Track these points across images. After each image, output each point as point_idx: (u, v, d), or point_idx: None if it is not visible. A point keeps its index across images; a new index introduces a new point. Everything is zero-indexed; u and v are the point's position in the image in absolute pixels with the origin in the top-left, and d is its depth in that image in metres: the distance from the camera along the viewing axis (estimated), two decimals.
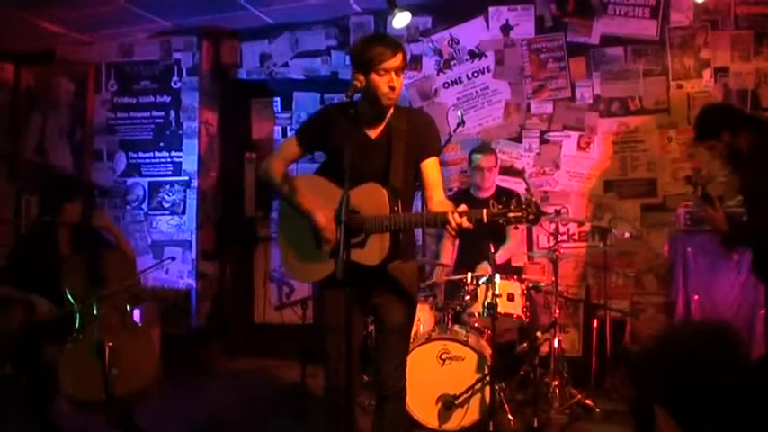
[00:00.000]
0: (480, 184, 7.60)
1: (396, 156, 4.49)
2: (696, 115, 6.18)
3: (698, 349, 2.82)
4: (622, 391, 7.23)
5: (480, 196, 7.54)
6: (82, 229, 6.21)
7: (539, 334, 7.01)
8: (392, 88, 4.40)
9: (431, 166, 4.63)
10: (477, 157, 7.62)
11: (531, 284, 7.17)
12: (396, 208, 4.39)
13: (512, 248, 7.69)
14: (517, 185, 8.40)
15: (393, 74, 4.39)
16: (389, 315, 4.63)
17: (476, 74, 8.94)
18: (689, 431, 2.87)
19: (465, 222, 4.11)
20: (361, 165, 4.41)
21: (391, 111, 4.60)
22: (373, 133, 4.57)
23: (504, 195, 7.04)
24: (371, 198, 4.38)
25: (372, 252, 4.38)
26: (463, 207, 4.17)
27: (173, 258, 8.74)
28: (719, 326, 2.96)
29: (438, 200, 4.59)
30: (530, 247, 8.65)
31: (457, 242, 7.77)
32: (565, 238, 8.42)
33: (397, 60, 4.40)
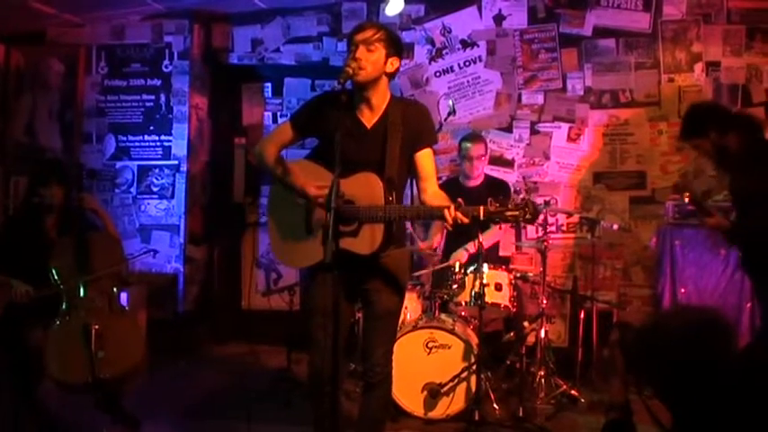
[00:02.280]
0: (469, 173, 7.59)
1: (392, 146, 4.48)
2: (684, 113, 6.19)
3: (689, 334, 2.84)
4: (611, 363, 7.24)
5: (469, 185, 7.55)
6: (67, 212, 6.19)
7: (525, 324, 7.04)
8: (355, 59, 4.38)
9: (425, 157, 4.63)
10: (467, 145, 7.61)
11: (518, 274, 7.20)
12: (390, 198, 4.40)
13: (495, 235, 7.67)
14: (506, 175, 8.42)
15: (360, 46, 4.40)
16: (378, 301, 4.64)
17: (467, 63, 8.94)
18: (677, 415, 2.89)
19: (462, 218, 4.11)
20: (356, 154, 4.42)
21: (387, 100, 4.59)
22: (369, 122, 4.57)
23: (493, 186, 7.09)
24: (367, 188, 4.38)
25: (365, 242, 4.38)
26: (460, 201, 4.17)
27: (154, 252, 8.64)
28: (710, 312, 2.98)
29: (432, 191, 4.60)
30: (518, 237, 8.65)
31: (444, 231, 7.76)
32: (553, 228, 8.45)
33: (363, 33, 4.44)
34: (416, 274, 7.36)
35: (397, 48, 4.57)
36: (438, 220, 7.54)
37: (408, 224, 7.85)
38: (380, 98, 4.56)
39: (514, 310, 6.93)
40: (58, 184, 6.14)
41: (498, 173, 8.37)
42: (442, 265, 7.29)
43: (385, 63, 4.48)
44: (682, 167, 8.28)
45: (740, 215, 5.78)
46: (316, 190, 4.46)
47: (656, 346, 2.90)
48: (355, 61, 4.37)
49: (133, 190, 9.48)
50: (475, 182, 7.59)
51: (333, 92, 4.73)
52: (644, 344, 2.99)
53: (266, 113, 9.85)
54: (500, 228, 7.50)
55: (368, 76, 4.42)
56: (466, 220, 4.12)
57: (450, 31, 8.98)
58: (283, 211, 4.65)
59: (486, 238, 7.36)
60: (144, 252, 7.62)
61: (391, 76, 4.59)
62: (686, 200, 6.21)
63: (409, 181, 4.87)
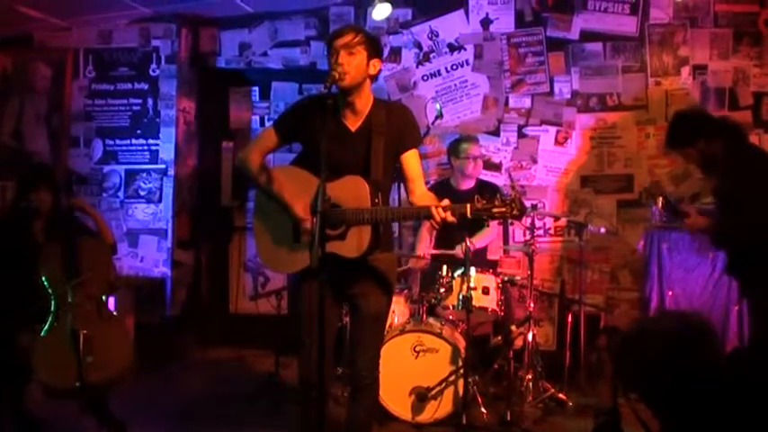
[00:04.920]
0: (472, 173, 7.55)
1: (376, 149, 4.49)
2: (669, 122, 6.19)
3: (673, 339, 2.84)
4: (600, 368, 7.25)
5: (461, 188, 7.54)
6: (56, 217, 6.19)
7: (513, 328, 7.02)
8: (339, 64, 4.39)
9: (411, 158, 4.64)
10: (466, 146, 7.57)
11: (506, 278, 7.20)
12: (376, 201, 4.39)
13: (489, 236, 7.67)
14: (495, 179, 8.42)
15: (341, 51, 4.41)
16: (366, 305, 4.63)
17: (455, 67, 8.94)
18: (664, 420, 2.90)
19: (449, 217, 4.11)
20: (341, 157, 4.42)
21: (370, 103, 4.60)
22: (353, 126, 4.57)
23: (485, 188, 7.09)
24: (352, 191, 4.38)
25: (352, 245, 4.38)
26: (446, 201, 4.17)
27: None
28: (695, 317, 2.98)
29: (420, 192, 4.61)
30: (505, 241, 8.67)
31: (434, 233, 7.76)
32: (541, 232, 8.45)
33: (342, 38, 4.44)
34: (402, 269, 7.36)
35: (378, 49, 4.59)
36: (426, 226, 7.66)
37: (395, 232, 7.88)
38: (364, 101, 4.57)
39: (502, 313, 6.92)
40: (48, 188, 6.14)
41: (486, 176, 8.34)
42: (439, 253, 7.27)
43: (367, 65, 4.49)
44: (669, 171, 8.29)
45: (725, 217, 5.79)
46: (303, 213, 4.48)
47: (641, 352, 2.91)
48: (339, 66, 4.38)
49: (120, 194, 9.47)
50: (468, 185, 7.57)
51: (316, 96, 4.75)
52: (630, 349, 3.00)
53: (254, 117, 9.82)
54: (488, 224, 7.50)
55: (352, 80, 4.42)
56: (452, 219, 4.12)
57: (437, 35, 8.98)
58: (269, 216, 4.65)
59: (479, 240, 7.37)
60: None
61: (374, 78, 4.60)
62: (660, 204, 6.22)
63: (396, 184, 4.88)
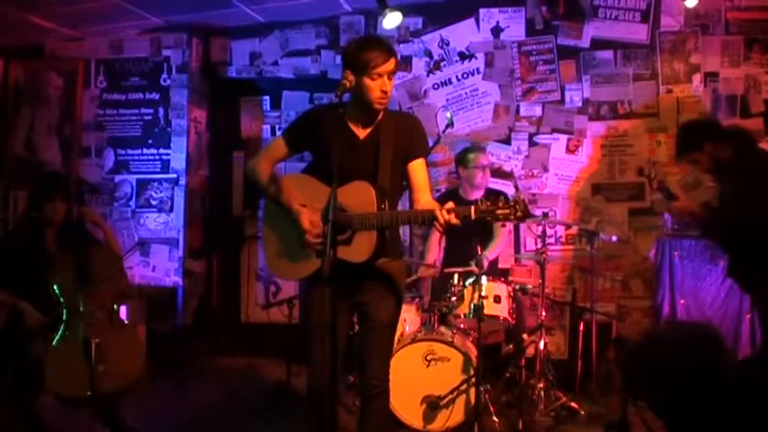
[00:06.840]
0: (481, 182, 7.57)
1: (384, 157, 4.50)
2: (677, 132, 6.20)
3: (683, 349, 2.84)
4: (610, 379, 7.26)
5: (470, 198, 7.52)
6: (68, 227, 6.21)
7: (525, 336, 7.00)
8: (384, 92, 4.42)
9: (418, 168, 4.64)
10: (474, 155, 7.59)
11: (517, 286, 7.18)
12: (383, 206, 4.39)
13: (500, 245, 7.67)
14: (506, 187, 8.40)
15: (386, 78, 4.41)
16: (375, 312, 4.63)
17: (465, 75, 8.94)
18: (673, 430, 2.89)
19: (453, 219, 4.11)
20: (349, 165, 4.42)
21: (381, 113, 4.60)
22: (362, 134, 4.59)
23: (493, 196, 7.08)
24: (359, 196, 4.38)
25: (359, 249, 4.39)
26: (450, 204, 4.17)
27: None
28: (704, 327, 2.98)
29: (425, 201, 4.59)
30: (517, 249, 8.65)
31: (443, 242, 7.76)
32: (552, 240, 8.42)
33: (390, 65, 4.42)
34: (411, 279, 7.34)
35: None
36: (436, 235, 7.65)
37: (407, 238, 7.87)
38: (376, 113, 4.58)
39: (513, 322, 6.91)
40: (63, 199, 6.17)
41: (497, 185, 8.33)
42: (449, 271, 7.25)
43: None
44: (680, 179, 8.26)
45: (720, 209, 5.80)
46: (308, 224, 4.50)
47: (651, 361, 2.90)
48: (387, 94, 4.44)
49: (132, 203, 9.50)
50: (477, 194, 7.55)
51: (325, 105, 4.77)
52: (640, 359, 2.99)
53: (265, 126, 9.83)
54: (502, 226, 7.49)
55: (388, 103, 4.49)
56: (456, 221, 4.12)
57: (447, 44, 8.98)
58: (277, 223, 4.66)
59: (490, 252, 7.38)
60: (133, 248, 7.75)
61: None
62: (654, 186, 6.23)
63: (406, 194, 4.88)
